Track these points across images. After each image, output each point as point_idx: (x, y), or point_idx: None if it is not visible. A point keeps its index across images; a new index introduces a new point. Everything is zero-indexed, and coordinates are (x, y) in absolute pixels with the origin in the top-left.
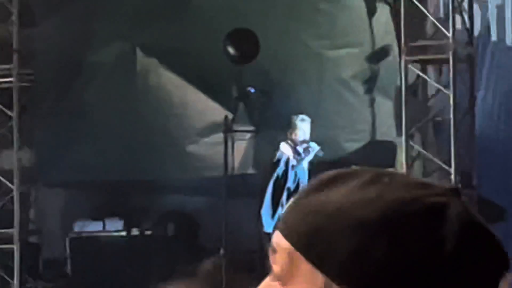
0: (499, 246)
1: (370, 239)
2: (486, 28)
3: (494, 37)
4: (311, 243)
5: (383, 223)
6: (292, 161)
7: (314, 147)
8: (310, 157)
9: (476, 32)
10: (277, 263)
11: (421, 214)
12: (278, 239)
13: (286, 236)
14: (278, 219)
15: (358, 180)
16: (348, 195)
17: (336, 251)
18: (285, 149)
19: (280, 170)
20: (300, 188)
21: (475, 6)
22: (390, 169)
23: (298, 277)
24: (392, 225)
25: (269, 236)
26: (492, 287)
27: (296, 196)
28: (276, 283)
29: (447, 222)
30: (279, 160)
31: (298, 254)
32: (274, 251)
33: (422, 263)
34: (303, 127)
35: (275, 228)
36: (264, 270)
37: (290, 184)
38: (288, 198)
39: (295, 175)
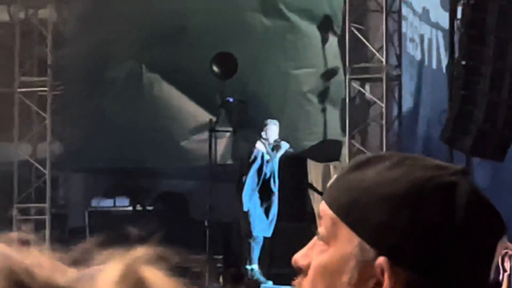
0: (498, 216)
1: (395, 211)
2: (421, 55)
3: (426, 62)
4: (349, 212)
5: (405, 198)
6: (266, 157)
7: (285, 145)
8: (281, 152)
9: (417, 57)
10: (322, 226)
11: (437, 191)
12: (324, 208)
13: (330, 205)
14: (325, 191)
15: (387, 163)
16: (379, 174)
17: (369, 219)
18: (260, 146)
19: (257, 164)
20: (342, 167)
21: (417, 37)
22: (410, 154)
23: (339, 239)
24: (412, 199)
25: (246, 214)
26: (492, 247)
27: (339, 173)
28: (321, 243)
29: (457, 197)
30: (256, 156)
31: (339, 220)
32: (320, 217)
33: (437, 231)
34: (272, 128)
35: (322, 198)
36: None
37: (265, 174)
38: (262, 186)
39: (269, 167)
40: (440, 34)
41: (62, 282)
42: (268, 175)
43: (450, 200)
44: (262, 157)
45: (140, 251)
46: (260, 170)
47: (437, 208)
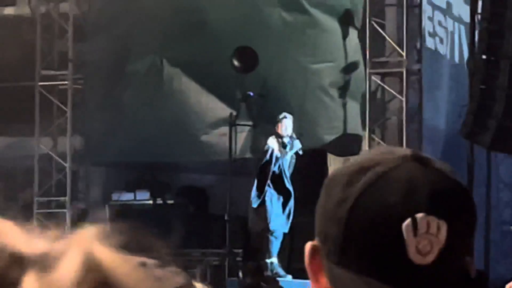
0: (407, 197)
1: (322, 195)
2: (444, 49)
3: (448, 56)
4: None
5: (326, 183)
6: (277, 153)
7: (297, 145)
8: (293, 151)
9: (442, 51)
10: None
11: (372, 180)
12: None
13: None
14: None
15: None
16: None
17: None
18: (271, 143)
19: (266, 160)
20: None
21: (439, 32)
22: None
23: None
24: (327, 184)
25: (256, 211)
26: (391, 228)
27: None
28: None
29: (392, 183)
30: (266, 152)
31: None
32: None
33: (333, 216)
34: (285, 122)
35: None
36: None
37: (274, 171)
38: (272, 182)
39: (279, 164)
40: (462, 28)
41: (27, 252)
42: (277, 172)
43: (349, 185)
44: (272, 153)
45: (91, 230)
46: (269, 166)
47: (338, 193)
